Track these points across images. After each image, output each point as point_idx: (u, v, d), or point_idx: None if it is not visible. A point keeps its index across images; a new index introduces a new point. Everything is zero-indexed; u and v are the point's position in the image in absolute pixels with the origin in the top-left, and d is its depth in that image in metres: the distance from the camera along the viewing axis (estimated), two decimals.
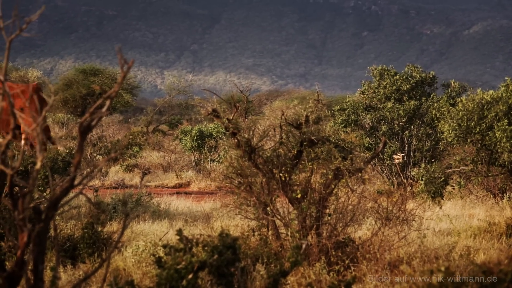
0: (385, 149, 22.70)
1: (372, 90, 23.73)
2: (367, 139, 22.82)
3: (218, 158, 29.58)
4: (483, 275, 6.19)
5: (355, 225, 11.08)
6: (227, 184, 11.26)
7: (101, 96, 5.52)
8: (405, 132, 23.01)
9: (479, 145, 18.60)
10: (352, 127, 22.87)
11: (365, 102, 23.53)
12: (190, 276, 6.56)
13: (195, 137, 30.40)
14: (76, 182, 5.62)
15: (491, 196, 19.57)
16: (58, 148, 22.69)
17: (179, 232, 6.96)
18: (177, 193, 22.56)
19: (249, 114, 40.84)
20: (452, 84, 23.31)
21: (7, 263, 9.69)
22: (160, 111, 58.91)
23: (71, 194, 6.26)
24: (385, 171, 23.22)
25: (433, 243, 11.77)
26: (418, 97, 23.44)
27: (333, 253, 10.21)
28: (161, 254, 7.62)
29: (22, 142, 21.67)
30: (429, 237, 12.25)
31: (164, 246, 6.94)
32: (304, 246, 7.56)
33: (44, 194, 13.25)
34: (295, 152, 10.94)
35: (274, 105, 49.89)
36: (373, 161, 22.44)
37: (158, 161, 31.15)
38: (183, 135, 31.32)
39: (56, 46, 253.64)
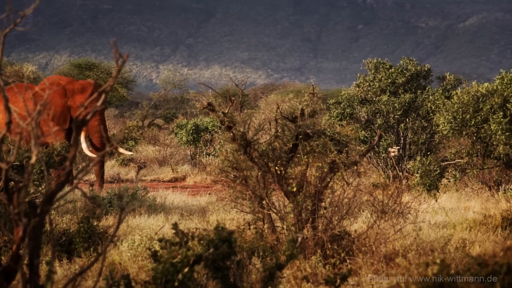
0: (381, 142, 22.71)
1: (367, 83, 23.73)
2: (363, 132, 22.83)
3: (214, 152, 29.57)
4: (479, 267, 6.20)
5: (351, 218, 11.09)
6: (223, 178, 11.25)
7: (96, 90, 5.52)
8: (400, 125, 23.02)
9: (474, 137, 18.61)
10: (347, 120, 22.87)
11: (361, 95, 23.53)
12: (186, 269, 6.56)
13: (191, 131, 30.38)
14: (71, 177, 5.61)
15: (487, 189, 19.59)
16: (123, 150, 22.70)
17: (175, 226, 6.96)
18: (173, 187, 22.57)
19: (244, 107, 40.84)
20: (447, 77, 23.31)
21: (2, 257, 9.68)
22: (156, 105, 58.85)
23: (67, 189, 6.26)
24: (380, 164, 23.24)
25: (428, 235, 11.79)
26: (413, 90, 23.45)
27: (329, 246, 10.21)
28: (157, 248, 7.63)
29: (83, 139, 21.25)
30: (424, 230, 12.26)
31: (160, 240, 6.94)
32: (299, 239, 7.55)
33: (40, 188, 13.24)
34: (291, 145, 10.94)
35: (270, 98, 49.86)
36: (369, 154, 22.45)
37: (153, 155, 31.17)
38: (178, 129, 31.30)
39: (51, 41, 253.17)
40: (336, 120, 22.67)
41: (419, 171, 19.12)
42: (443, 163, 19.39)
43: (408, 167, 21.02)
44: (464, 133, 18.63)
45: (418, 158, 19.93)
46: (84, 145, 21.16)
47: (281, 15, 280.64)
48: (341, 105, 23.09)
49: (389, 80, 23.39)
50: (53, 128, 21.30)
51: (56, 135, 21.35)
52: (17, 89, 22.10)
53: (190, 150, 30.65)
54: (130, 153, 25.28)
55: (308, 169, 10.75)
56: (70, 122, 21.69)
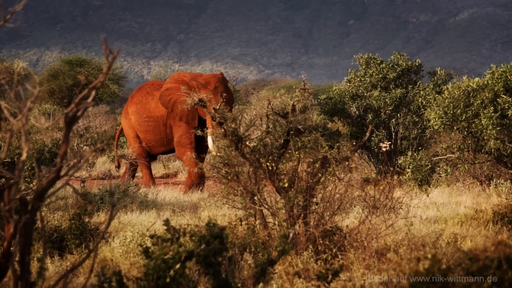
0: (372, 138, 22.73)
1: (358, 79, 23.75)
2: (354, 127, 22.85)
3: None
4: (470, 262, 6.21)
5: (343, 214, 11.09)
6: (214, 174, 11.25)
7: (87, 87, 5.51)
8: (391, 120, 23.05)
9: (465, 132, 18.64)
10: (338, 116, 22.89)
11: (352, 91, 23.55)
12: (178, 266, 6.56)
13: None
14: (62, 173, 5.60)
15: (478, 184, 19.64)
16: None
17: (166, 222, 6.96)
18: (165, 183, 22.56)
19: (235, 103, 40.82)
20: (438, 72, 23.35)
21: None
22: None
23: (58, 185, 6.24)
24: (372, 160, 23.27)
25: (420, 230, 11.81)
26: (404, 85, 23.47)
27: (321, 241, 10.22)
28: (149, 244, 7.63)
29: (209, 136, 20.64)
30: (416, 225, 12.29)
31: (152, 237, 6.94)
32: (291, 235, 7.57)
33: (31, 185, 13.21)
34: (282, 141, 10.94)
35: (261, 94, 49.85)
36: (360, 149, 22.48)
37: None
38: None
39: (42, 37, 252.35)
40: (327, 116, 22.69)
41: (410, 166, 19.15)
42: (435, 158, 19.42)
43: (400, 162, 21.05)
44: (455, 128, 18.67)
45: (410, 153, 19.96)
46: (210, 142, 20.24)
47: (272, 11, 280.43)
48: (332, 101, 23.10)
49: (380, 76, 23.42)
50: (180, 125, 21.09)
51: (185, 133, 21.04)
52: (149, 89, 21.90)
53: None
54: None
55: (300, 164, 10.75)
56: (199, 119, 21.34)
